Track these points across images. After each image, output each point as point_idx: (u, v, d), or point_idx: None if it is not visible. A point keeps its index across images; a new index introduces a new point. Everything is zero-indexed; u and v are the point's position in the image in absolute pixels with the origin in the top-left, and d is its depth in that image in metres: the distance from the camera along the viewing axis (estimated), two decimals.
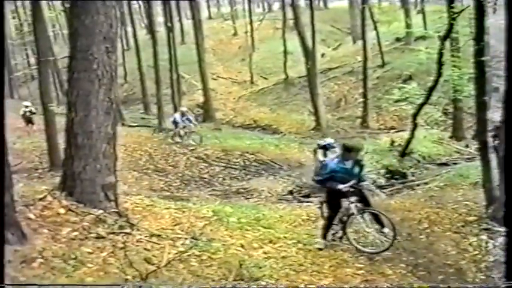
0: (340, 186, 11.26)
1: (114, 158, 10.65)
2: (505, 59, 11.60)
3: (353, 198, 11.27)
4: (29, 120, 30.22)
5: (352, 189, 11.31)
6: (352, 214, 11.32)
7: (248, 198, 20.22)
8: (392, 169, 23.16)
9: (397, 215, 14.63)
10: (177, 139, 29.54)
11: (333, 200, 11.72)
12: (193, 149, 27.72)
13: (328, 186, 11.50)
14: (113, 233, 9.48)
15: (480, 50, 13.81)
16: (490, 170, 13.82)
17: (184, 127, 29.74)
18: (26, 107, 30.58)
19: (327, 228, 11.79)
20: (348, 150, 11.34)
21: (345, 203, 11.42)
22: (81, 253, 8.42)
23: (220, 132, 33.72)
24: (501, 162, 13.32)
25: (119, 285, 8.06)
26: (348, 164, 11.33)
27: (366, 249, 11.14)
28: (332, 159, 11.86)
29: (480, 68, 13.94)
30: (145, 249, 9.30)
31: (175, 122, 30.03)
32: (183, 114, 30.18)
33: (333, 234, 11.81)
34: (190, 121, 30.14)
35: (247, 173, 25.01)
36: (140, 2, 63.63)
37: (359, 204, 11.32)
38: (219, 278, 8.68)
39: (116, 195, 10.60)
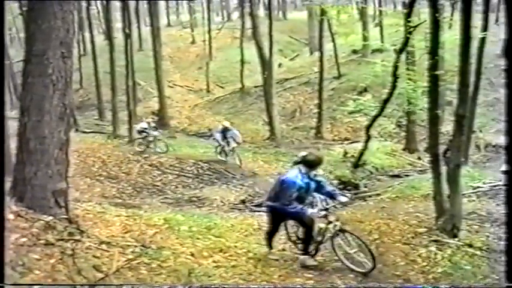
0: (310, 212, 10.62)
1: (66, 164, 10.52)
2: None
3: (332, 218, 10.79)
4: None
5: (323, 213, 10.75)
6: (333, 236, 10.90)
7: (200, 207, 20.16)
8: (345, 180, 23.40)
9: (348, 226, 14.73)
10: (223, 157, 27.67)
11: (279, 218, 11.18)
12: (146, 157, 27.59)
13: (295, 211, 10.53)
14: (62, 239, 9.37)
15: (434, 64, 13.98)
16: (441, 182, 13.99)
17: (228, 144, 27.46)
18: None
19: (269, 238, 11.52)
20: (311, 165, 10.58)
21: (320, 223, 10.91)
22: (29, 260, 8.32)
23: (174, 140, 33.59)
24: (451, 174, 13.53)
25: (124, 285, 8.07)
26: (312, 182, 10.71)
27: (358, 269, 10.76)
28: (294, 175, 10.51)
29: (434, 81, 14.11)
30: (94, 256, 9.22)
31: (216, 139, 27.79)
32: (225, 129, 27.54)
33: (307, 252, 11.50)
34: (234, 138, 27.53)
35: (200, 181, 24.93)
36: (99, 7, 63.31)
37: (338, 223, 10.86)
38: (168, 286, 8.67)
39: (67, 201, 10.45)
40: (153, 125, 30.43)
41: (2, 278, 7.29)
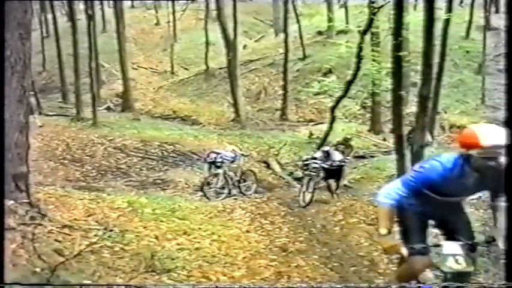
0: None
1: (26, 147, 10.34)
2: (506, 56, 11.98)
3: None
4: None
5: None
6: None
7: (165, 189, 20.10)
8: None
9: (312, 207, 14.85)
10: None
11: None
12: (111, 139, 27.31)
13: None
14: (24, 224, 9.25)
15: (398, 45, 14.10)
16: (404, 163, 14.11)
17: None
18: None
19: None
20: None
21: None
22: None
23: (139, 123, 33.37)
24: (416, 155, 13.64)
25: (128, 285, 7.95)
26: None
27: None
28: None
29: (397, 62, 14.23)
30: (56, 240, 9.10)
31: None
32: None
33: None
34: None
35: (165, 163, 24.81)
36: None
37: None
38: (130, 269, 8.59)
39: (28, 185, 10.27)
40: None
41: (2, 277, 7.17)
